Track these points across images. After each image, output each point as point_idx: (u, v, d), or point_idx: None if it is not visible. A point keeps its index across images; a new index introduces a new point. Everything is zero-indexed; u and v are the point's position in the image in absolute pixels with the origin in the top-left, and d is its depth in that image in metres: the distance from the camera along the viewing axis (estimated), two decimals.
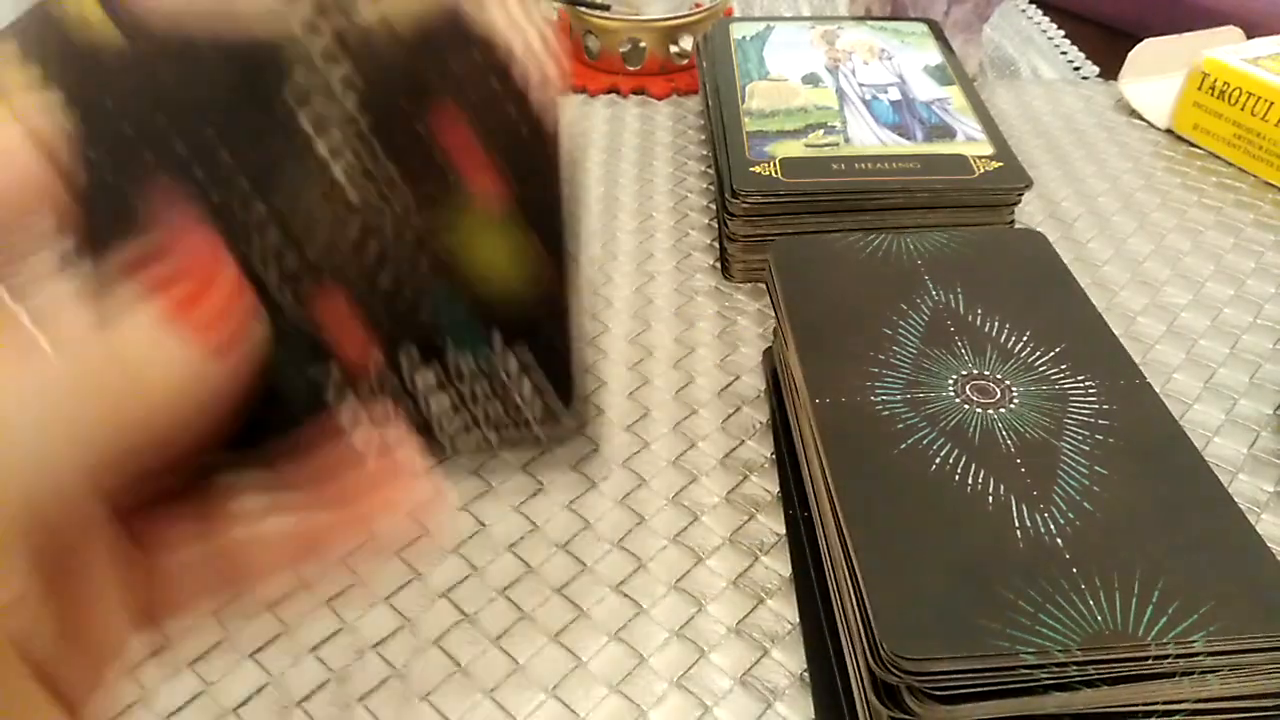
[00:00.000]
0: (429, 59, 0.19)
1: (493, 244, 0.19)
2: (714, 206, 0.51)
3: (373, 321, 0.19)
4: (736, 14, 0.75)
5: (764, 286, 0.45)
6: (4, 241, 0.16)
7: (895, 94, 0.51)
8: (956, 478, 0.28)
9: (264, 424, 0.18)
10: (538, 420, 0.20)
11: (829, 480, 0.28)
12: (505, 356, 0.19)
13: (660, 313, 0.44)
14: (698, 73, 0.58)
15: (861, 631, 0.25)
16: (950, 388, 0.31)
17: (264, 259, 0.19)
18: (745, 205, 0.43)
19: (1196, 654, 0.23)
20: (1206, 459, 0.28)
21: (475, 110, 0.19)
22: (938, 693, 0.23)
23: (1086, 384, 0.31)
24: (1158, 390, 0.31)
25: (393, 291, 0.19)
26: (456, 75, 0.19)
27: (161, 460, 0.15)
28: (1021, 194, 0.45)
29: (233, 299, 0.16)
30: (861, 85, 0.51)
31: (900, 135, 0.47)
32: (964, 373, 0.31)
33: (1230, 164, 0.54)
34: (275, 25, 0.18)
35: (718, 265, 0.47)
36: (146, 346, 0.15)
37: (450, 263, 0.19)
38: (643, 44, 0.62)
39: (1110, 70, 0.65)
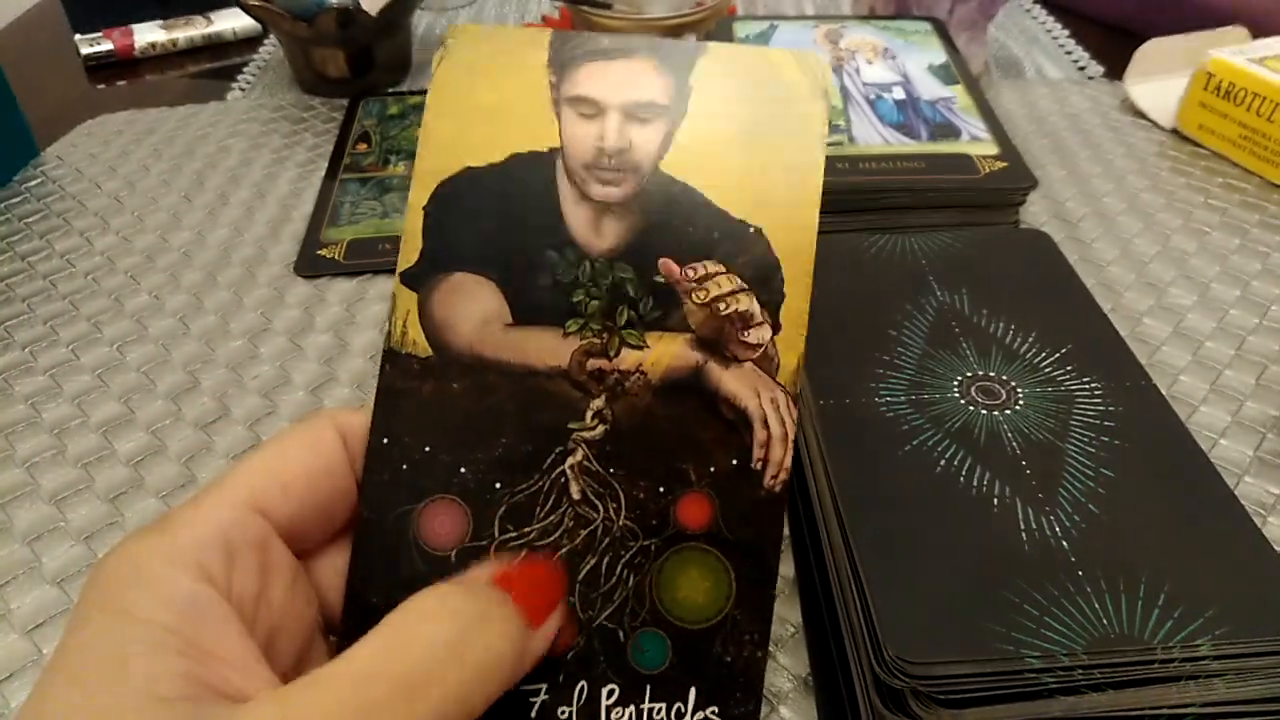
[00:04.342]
0: (670, 405, 0.22)
1: (700, 583, 0.21)
2: None
3: (587, 654, 0.21)
4: (740, 12, 0.74)
5: None
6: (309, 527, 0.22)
7: (899, 93, 0.51)
8: (961, 480, 0.28)
9: None
10: None
11: (833, 482, 0.28)
12: (696, 715, 0.21)
13: None
14: None
15: (865, 635, 0.25)
16: (955, 389, 0.31)
17: None
18: None
19: (1202, 658, 0.23)
20: (1213, 461, 0.28)
21: (702, 452, 0.22)
22: (942, 696, 0.23)
23: (1092, 385, 0.31)
24: (1164, 392, 0.31)
25: (611, 628, 0.21)
26: (691, 422, 0.22)
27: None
28: (1026, 194, 0.44)
29: (558, 589, 0.21)
30: (865, 84, 0.51)
31: (905, 135, 0.47)
32: (969, 374, 0.31)
33: (1236, 164, 0.54)
34: (550, 360, 0.22)
35: None
36: (492, 636, 0.19)
37: (661, 602, 0.21)
38: None
39: (1116, 70, 0.65)
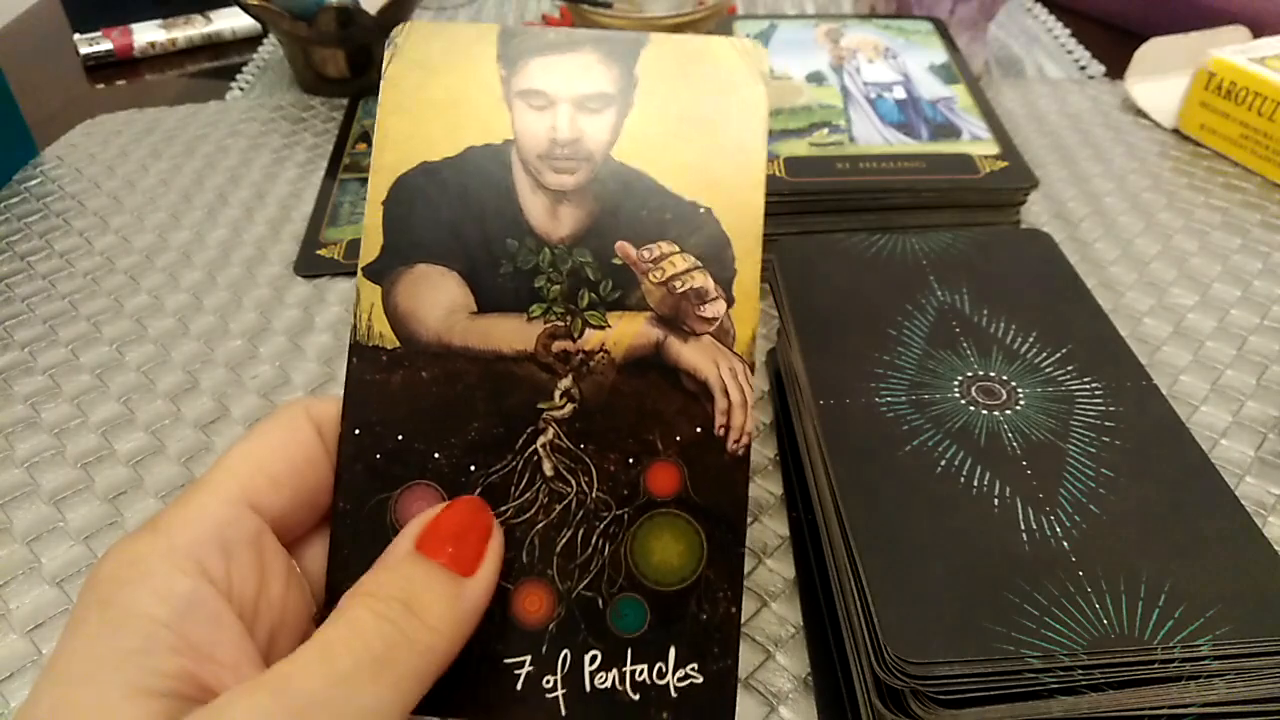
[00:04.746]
0: (635, 380, 0.22)
1: (673, 546, 0.22)
2: None
3: (568, 623, 0.22)
4: (740, 12, 0.74)
5: (768, 287, 0.45)
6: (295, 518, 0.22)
7: (900, 93, 0.50)
8: (962, 480, 0.27)
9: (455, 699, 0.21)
10: None
11: (833, 482, 0.28)
12: (677, 673, 0.22)
13: None
14: None
15: (866, 635, 0.25)
16: (955, 389, 0.31)
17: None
18: None
19: (1203, 658, 0.23)
20: (1213, 461, 0.28)
21: (667, 423, 0.22)
22: (942, 697, 0.23)
23: (1093, 385, 0.31)
24: (1164, 392, 0.31)
25: (589, 596, 0.22)
26: (655, 395, 0.22)
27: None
28: (1027, 194, 0.44)
29: (485, 532, 0.21)
30: (866, 84, 0.51)
31: (905, 134, 0.47)
32: (969, 374, 0.31)
33: (1237, 164, 0.54)
34: (516, 344, 0.23)
35: None
36: (432, 601, 0.19)
37: (637, 568, 0.22)
38: None
39: (1116, 69, 0.65)
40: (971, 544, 0.26)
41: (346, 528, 0.22)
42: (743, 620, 0.31)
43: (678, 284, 0.23)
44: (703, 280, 0.23)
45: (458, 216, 0.23)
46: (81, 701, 0.16)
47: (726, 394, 0.22)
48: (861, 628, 0.25)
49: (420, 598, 0.19)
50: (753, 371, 0.23)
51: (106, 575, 0.18)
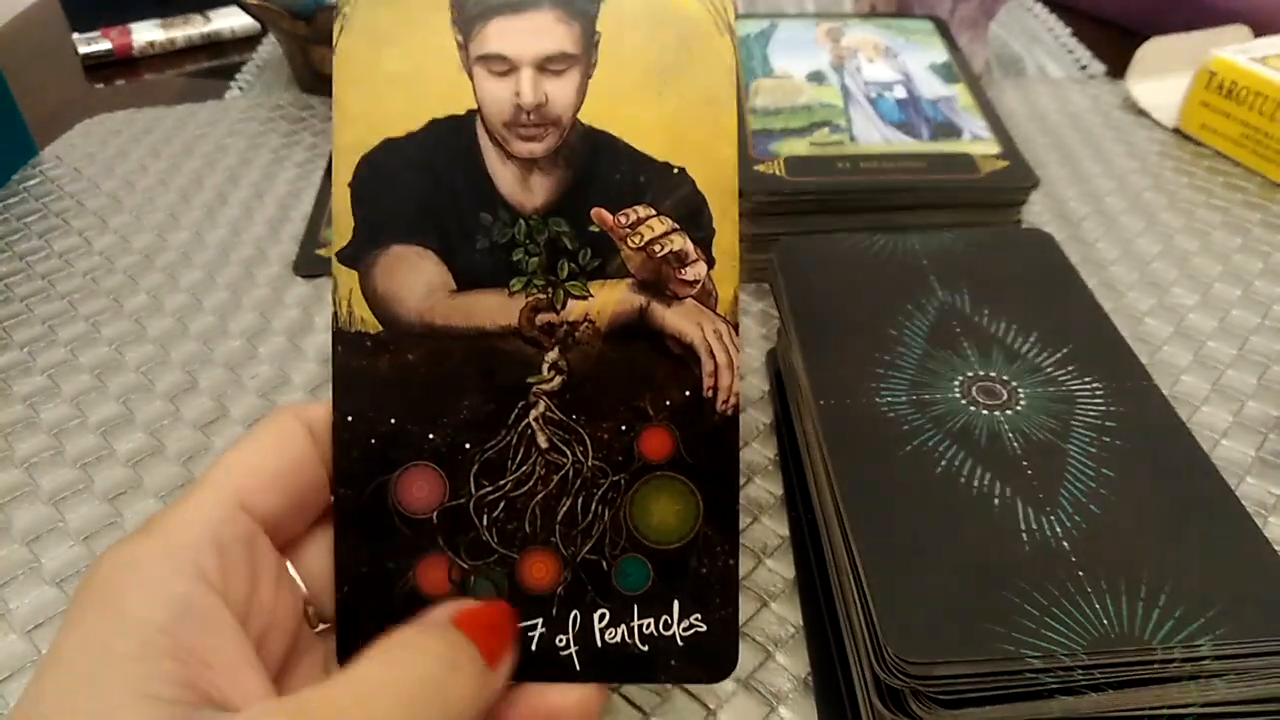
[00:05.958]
0: (621, 348, 0.23)
1: (670, 507, 0.23)
2: None
3: (575, 586, 0.22)
4: (740, 11, 0.74)
5: (768, 286, 0.45)
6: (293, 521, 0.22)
7: (901, 92, 0.50)
8: (962, 480, 0.27)
9: None
10: (694, 678, 0.23)
11: (833, 483, 0.28)
12: (682, 624, 0.23)
13: None
14: None
15: (866, 635, 0.25)
16: (956, 389, 0.30)
17: (490, 528, 0.22)
18: (749, 204, 0.43)
19: (1203, 658, 0.23)
20: (1214, 461, 0.28)
21: (656, 388, 0.23)
22: (942, 696, 0.23)
23: (1093, 385, 0.30)
24: (1165, 392, 0.31)
25: (593, 559, 0.22)
26: (642, 361, 0.23)
27: None
28: (1028, 193, 0.44)
29: (510, 630, 0.21)
30: (867, 83, 0.51)
31: (906, 134, 0.47)
32: (970, 374, 0.31)
33: (1238, 164, 0.54)
34: (500, 320, 0.23)
35: None
36: (469, 672, 0.20)
37: (637, 530, 0.23)
38: None
39: (1117, 69, 0.65)
40: (971, 544, 0.26)
41: (349, 513, 0.22)
42: (742, 620, 0.31)
43: (657, 248, 0.23)
44: (682, 243, 0.23)
45: (427, 193, 0.23)
46: (83, 706, 0.16)
47: (713, 356, 0.23)
48: (861, 628, 0.25)
49: (461, 665, 0.19)
50: (737, 331, 0.23)
51: (103, 578, 0.18)
